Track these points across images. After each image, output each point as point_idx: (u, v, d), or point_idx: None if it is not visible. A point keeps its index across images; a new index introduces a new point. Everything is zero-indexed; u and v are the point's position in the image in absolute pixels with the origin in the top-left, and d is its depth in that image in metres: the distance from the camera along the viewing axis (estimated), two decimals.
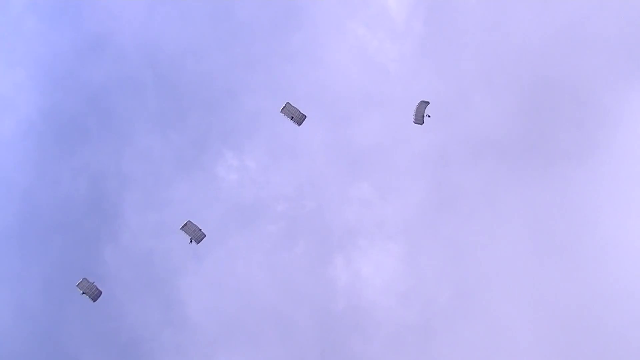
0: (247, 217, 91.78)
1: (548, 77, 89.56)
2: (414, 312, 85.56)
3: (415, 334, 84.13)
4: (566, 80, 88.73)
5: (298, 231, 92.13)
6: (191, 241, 65.61)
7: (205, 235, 65.89)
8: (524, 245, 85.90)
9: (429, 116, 64.95)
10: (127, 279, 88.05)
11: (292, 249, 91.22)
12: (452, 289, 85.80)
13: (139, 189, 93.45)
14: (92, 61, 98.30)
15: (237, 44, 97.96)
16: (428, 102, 63.65)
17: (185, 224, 65.39)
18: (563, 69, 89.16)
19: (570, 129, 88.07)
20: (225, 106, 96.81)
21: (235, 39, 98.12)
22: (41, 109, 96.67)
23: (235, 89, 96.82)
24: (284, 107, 66.11)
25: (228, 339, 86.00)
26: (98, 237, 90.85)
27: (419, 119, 64.73)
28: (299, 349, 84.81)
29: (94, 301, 62.86)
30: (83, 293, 62.17)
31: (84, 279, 62.53)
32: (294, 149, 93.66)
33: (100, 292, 62.88)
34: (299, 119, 66.51)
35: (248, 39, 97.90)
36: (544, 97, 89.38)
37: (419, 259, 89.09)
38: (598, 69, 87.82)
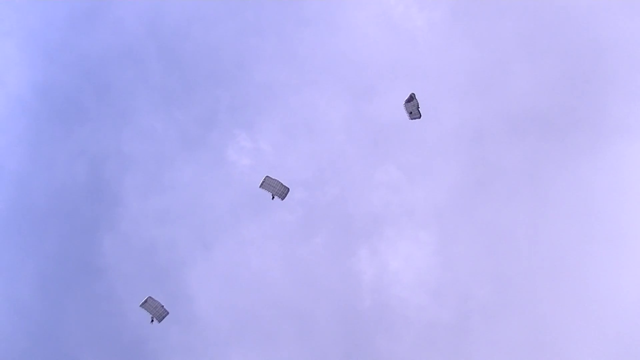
0: (261, 204, 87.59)
1: (597, 41, 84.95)
2: (448, 309, 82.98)
3: (449, 333, 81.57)
4: (618, 44, 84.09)
5: (318, 220, 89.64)
6: (152, 321, 63.33)
7: (167, 313, 63.25)
8: (571, 232, 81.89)
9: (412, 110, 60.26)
10: (129, 271, 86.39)
11: (311, 240, 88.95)
12: (491, 282, 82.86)
13: (141, 171, 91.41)
14: (89, 31, 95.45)
15: (246, 9, 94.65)
16: (413, 96, 58.70)
17: (146, 301, 62.31)
18: (614, 32, 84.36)
19: (623, 99, 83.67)
20: (235, 79, 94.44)
21: (245, 4, 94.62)
22: (33, 84, 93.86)
23: (245, 60, 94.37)
24: (263, 181, 63.27)
25: (240, 338, 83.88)
26: (97, 225, 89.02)
27: (416, 114, 59.82)
28: (320, 350, 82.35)
29: None
30: None
31: None
32: (312, 127, 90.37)
33: None
34: (281, 193, 64.01)
35: (259, 4, 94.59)
36: (592, 64, 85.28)
37: (453, 249, 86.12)
38: None
